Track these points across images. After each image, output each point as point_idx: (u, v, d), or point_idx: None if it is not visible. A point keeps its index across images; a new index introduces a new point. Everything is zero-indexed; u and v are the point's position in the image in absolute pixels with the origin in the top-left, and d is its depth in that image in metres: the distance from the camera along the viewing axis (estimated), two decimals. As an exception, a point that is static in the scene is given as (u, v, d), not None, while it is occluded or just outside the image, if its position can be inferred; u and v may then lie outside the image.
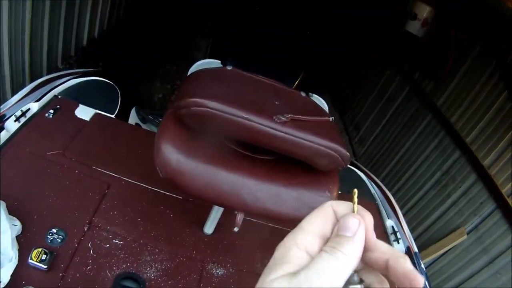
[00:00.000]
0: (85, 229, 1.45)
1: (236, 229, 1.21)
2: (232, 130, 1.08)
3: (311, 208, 1.16)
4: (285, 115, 1.05)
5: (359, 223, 0.43)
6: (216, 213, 1.53)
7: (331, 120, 1.21)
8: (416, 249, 1.91)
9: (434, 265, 3.22)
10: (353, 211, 0.45)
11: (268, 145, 1.10)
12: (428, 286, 1.72)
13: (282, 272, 0.41)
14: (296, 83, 4.35)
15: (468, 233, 3.01)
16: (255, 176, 1.16)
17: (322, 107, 1.44)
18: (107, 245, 1.44)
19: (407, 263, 0.42)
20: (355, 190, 0.47)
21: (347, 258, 0.41)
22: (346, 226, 0.43)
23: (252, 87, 1.30)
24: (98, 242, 1.43)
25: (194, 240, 1.58)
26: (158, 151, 1.14)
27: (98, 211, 1.53)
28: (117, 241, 1.46)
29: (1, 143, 1.63)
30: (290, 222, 1.25)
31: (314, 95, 1.54)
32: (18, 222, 1.36)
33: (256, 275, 1.46)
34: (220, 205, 1.34)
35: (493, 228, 2.80)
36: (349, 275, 0.41)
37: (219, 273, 1.50)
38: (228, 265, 1.53)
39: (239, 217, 1.20)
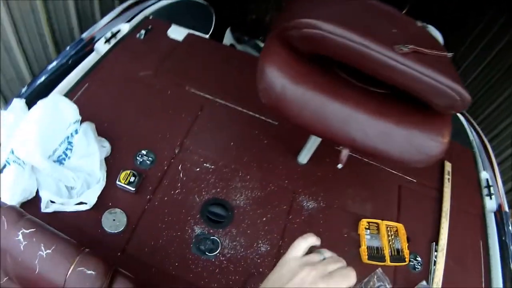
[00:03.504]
0: (176, 152, 1.44)
1: (340, 166, 1.12)
2: (347, 57, 0.96)
3: (420, 153, 1.03)
4: (406, 45, 0.92)
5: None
6: (313, 143, 1.45)
7: (449, 56, 1.05)
8: (507, 209, 1.74)
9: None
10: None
11: (385, 77, 0.97)
12: None
13: None
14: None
15: None
16: (366, 110, 1.04)
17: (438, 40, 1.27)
18: (197, 169, 1.42)
19: None
20: None
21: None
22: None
23: (367, 12, 1.15)
24: (189, 165, 1.42)
25: (287, 169, 1.52)
26: (261, 74, 1.05)
27: (189, 134, 1.51)
28: (207, 165, 1.44)
29: (92, 64, 1.64)
30: (393, 163, 1.14)
31: (430, 26, 1.35)
32: (107, 144, 1.36)
33: (346, 212, 1.39)
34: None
35: None
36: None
37: (310, 206, 1.44)
38: (320, 198, 1.46)
39: (344, 153, 1.11)
